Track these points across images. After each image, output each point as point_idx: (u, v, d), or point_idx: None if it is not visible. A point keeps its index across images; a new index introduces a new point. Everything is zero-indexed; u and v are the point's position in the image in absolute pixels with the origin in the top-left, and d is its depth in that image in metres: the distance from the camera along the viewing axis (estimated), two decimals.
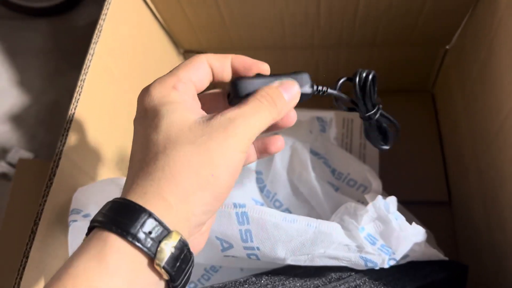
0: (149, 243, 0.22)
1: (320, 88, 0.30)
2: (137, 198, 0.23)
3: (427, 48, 0.59)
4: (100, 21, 0.44)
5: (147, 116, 0.26)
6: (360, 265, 0.35)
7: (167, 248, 0.22)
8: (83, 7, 0.97)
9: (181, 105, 0.26)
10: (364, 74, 0.32)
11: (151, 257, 0.22)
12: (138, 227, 0.22)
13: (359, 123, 0.60)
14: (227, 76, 0.29)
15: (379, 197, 0.36)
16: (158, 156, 0.24)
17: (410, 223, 0.36)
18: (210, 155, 0.24)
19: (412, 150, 0.60)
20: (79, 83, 0.40)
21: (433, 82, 0.65)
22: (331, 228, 0.35)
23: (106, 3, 0.45)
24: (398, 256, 0.36)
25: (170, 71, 0.28)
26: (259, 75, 0.29)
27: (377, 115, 0.34)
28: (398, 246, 0.35)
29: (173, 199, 0.23)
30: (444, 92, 0.61)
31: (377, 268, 0.36)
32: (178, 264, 0.23)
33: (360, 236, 0.35)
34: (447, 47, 0.57)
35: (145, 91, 0.27)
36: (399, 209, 0.37)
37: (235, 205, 0.34)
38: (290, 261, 0.35)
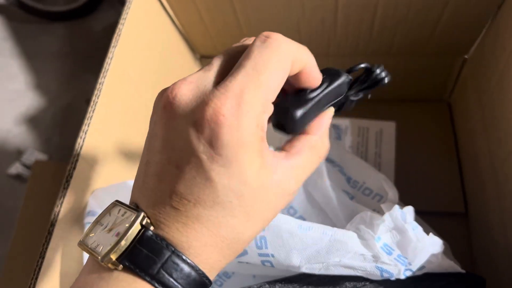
0: None
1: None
2: (207, 272, 0.22)
3: (444, 57, 0.58)
4: (119, 26, 0.44)
5: (227, 164, 0.20)
6: (376, 275, 0.35)
7: None
8: (100, 12, 0.98)
9: (264, 162, 0.21)
10: (383, 75, 0.31)
11: None
12: None
13: (374, 131, 0.60)
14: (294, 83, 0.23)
15: (396, 206, 0.36)
16: (238, 238, 0.22)
17: (427, 233, 0.36)
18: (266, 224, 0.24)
19: (428, 159, 0.60)
20: (97, 86, 0.41)
21: (450, 91, 0.64)
22: (347, 236, 0.34)
23: (125, 8, 0.46)
24: (415, 267, 0.35)
25: (244, 74, 0.20)
26: (304, 94, 0.24)
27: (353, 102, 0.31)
28: (414, 257, 0.35)
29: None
30: (461, 102, 0.60)
31: (392, 278, 0.35)
32: None
33: (376, 246, 0.34)
34: (466, 56, 0.57)
35: (229, 117, 0.19)
36: (415, 220, 0.37)
37: None
38: (305, 269, 0.35)
